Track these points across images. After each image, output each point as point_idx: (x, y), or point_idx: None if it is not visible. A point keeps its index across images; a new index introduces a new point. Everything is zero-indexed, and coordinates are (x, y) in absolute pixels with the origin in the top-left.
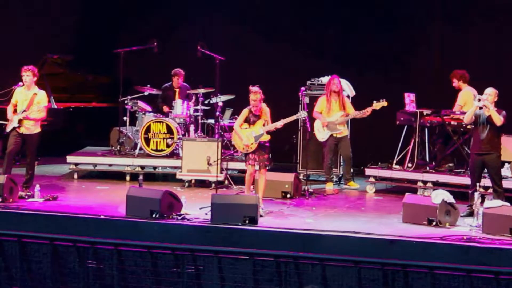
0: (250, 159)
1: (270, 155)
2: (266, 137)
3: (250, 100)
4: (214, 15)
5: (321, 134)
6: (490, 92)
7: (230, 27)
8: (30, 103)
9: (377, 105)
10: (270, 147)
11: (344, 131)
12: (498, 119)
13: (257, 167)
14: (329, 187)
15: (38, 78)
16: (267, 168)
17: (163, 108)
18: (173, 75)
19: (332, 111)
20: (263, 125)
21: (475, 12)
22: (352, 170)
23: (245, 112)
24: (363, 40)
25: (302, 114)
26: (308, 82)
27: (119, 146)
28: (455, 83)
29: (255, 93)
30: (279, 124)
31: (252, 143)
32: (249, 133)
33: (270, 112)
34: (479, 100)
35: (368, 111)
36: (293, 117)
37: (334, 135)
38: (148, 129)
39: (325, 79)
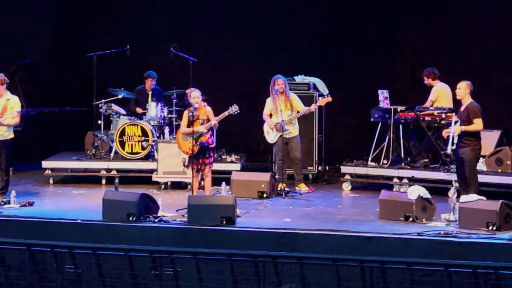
0: (194, 162)
1: (214, 155)
2: (205, 138)
3: (193, 102)
4: (188, 16)
5: (270, 136)
6: (460, 86)
7: (203, 29)
8: (3, 109)
9: (321, 101)
10: (215, 147)
11: (292, 131)
12: (477, 127)
13: (203, 169)
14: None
15: (9, 84)
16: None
17: (135, 110)
18: (146, 77)
19: (279, 111)
20: (200, 124)
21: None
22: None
23: (186, 115)
24: (335, 38)
25: (234, 109)
26: None
27: (94, 150)
28: (426, 81)
29: (198, 97)
30: (213, 122)
31: (193, 145)
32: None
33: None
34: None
35: (312, 108)
36: (225, 113)
37: (284, 135)
38: (123, 132)
39: (298, 78)
